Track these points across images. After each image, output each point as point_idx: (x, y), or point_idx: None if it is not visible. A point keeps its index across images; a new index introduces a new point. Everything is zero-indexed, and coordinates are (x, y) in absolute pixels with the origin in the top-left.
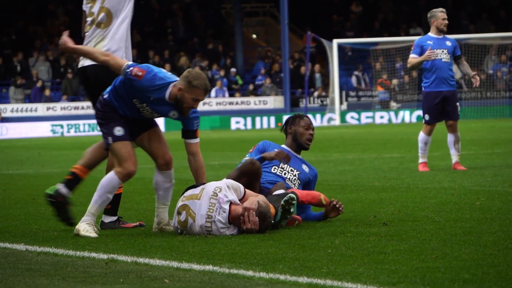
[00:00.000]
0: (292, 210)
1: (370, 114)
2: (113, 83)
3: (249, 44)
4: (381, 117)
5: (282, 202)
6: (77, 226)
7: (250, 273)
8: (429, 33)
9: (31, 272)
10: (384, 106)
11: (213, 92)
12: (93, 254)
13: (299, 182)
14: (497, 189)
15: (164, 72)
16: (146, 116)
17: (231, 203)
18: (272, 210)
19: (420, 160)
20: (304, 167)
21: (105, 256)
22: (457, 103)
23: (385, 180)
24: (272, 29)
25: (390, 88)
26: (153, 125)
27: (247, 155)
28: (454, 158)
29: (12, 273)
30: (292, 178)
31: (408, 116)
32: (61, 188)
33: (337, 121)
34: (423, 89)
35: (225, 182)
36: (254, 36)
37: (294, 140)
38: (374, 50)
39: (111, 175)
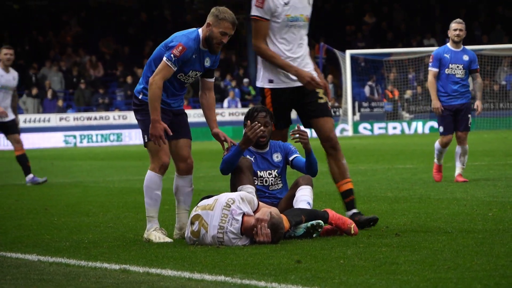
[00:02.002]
0: (314, 235)
1: (383, 125)
2: (144, 81)
3: None
4: (394, 128)
5: (309, 225)
6: (145, 236)
7: (262, 283)
8: (448, 44)
9: (43, 282)
10: (389, 117)
11: (225, 103)
12: (105, 265)
13: (281, 176)
14: (510, 200)
15: (183, 32)
16: (189, 83)
17: (244, 214)
18: (286, 224)
19: (437, 163)
20: (275, 157)
21: (117, 267)
22: (469, 115)
23: (398, 191)
24: None
25: (394, 100)
26: (186, 135)
27: (224, 156)
28: (458, 170)
29: (24, 283)
30: (273, 181)
31: (421, 127)
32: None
33: (350, 132)
34: None
35: (239, 194)
36: None
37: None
38: (387, 61)
39: (148, 174)
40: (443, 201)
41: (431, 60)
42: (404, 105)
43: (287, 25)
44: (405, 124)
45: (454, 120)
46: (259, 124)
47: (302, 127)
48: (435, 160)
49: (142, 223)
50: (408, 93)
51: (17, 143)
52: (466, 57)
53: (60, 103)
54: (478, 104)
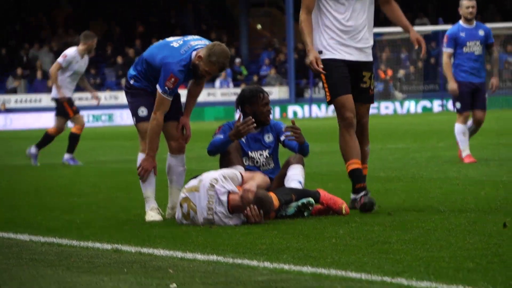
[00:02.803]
0: (306, 214)
1: (375, 104)
2: (135, 70)
3: (254, 35)
4: (386, 108)
5: (299, 203)
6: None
7: (254, 263)
8: (460, 22)
9: (35, 262)
10: (381, 97)
11: (217, 83)
12: (97, 244)
13: (272, 156)
14: (502, 179)
15: (179, 49)
16: None
17: (229, 193)
18: (276, 202)
19: (464, 154)
20: (266, 137)
21: (109, 247)
22: (486, 95)
23: (390, 170)
24: (277, 20)
25: (386, 80)
26: (176, 116)
27: (214, 136)
28: (468, 150)
29: (16, 263)
30: (264, 162)
31: (414, 106)
32: None
33: None
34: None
35: (221, 173)
36: (259, 26)
37: (254, 117)
38: (380, 40)
39: (139, 156)
40: (436, 181)
41: (445, 40)
42: (396, 85)
43: None
44: (397, 104)
45: (472, 99)
46: (253, 120)
47: (296, 124)
48: (462, 149)
49: (134, 203)
50: (401, 73)
51: (80, 123)
52: (481, 32)
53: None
54: (494, 81)
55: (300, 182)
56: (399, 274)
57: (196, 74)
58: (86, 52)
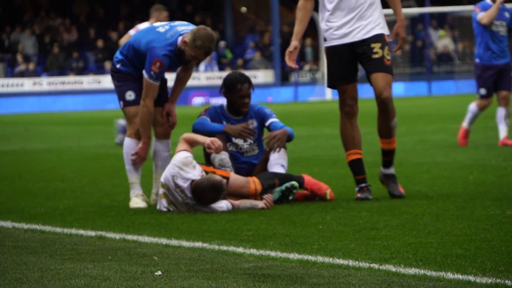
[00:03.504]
0: (290, 198)
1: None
2: (121, 54)
3: (239, 18)
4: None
5: (283, 188)
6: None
7: (240, 249)
8: (487, 1)
9: (18, 249)
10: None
11: (202, 66)
12: (81, 231)
13: (257, 143)
14: (491, 163)
15: (165, 33)
16: None
17: (192, 181)
18: (259, 187)
19: (463, 129)
20: (250, 123)
21: (93, 233)
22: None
23: (377, 155)
24: (262, 2)
25: None
26: (162, 102)
27: (199, 117)
28: (503, 133)
29: None
30: (248, 148)
31: (401, 89)
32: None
33: (327, 95)
34: (477, 61)
35: (174, 164)
36: (244, 9)
37: (231, 105)
38: None
39: (126, 140)
40: (423, 165)
41: (477, 10)
42: None
43: None
44: None
45: (496, 81)
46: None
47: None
48: (465, 124)
49: (118, 189)
50: None
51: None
52: (507, 14)
53: (31, 66)
54: None
55: (283, 166)
56: (387, 260)
57: (183, 60)
58: None
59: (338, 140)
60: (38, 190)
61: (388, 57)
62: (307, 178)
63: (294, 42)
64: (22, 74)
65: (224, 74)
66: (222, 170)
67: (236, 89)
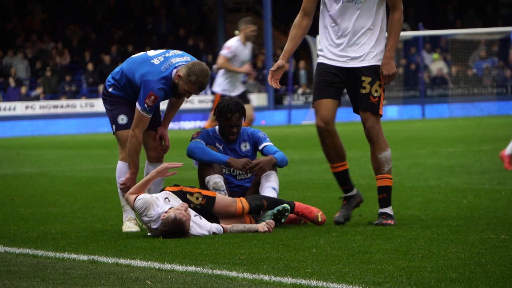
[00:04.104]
0: (283, 220)
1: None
2: (113, 79)
3: None
4: None
5: (275, 211)
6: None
7: (233, 273)
8: None
9: (10, 274)
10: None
11: None
12: (74, 256)
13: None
14: (484, 187)
15: (160, 66)
16: None
17: (162, 215)
18: (246, 205)
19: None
20: (243, 146)
21: (85, 258)
22: None
23: (371, 178)
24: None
25: None
26: (155, 126)
27: (193, 140)
28: None
29: None
30: (242, 171)
31: (395, 113)
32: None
33: None
34: None
35: (138, 206)
36: (237, 32)
37: (221, 130)
38: None
39: (118, 164)
40: (417, 189)
41: None
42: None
43: (334, 1)
44: None
45: None
46: (260, 168)
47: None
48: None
49: (110, 213)
50: None
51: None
52: None
53: (23, 90)
54: None
55: (274, 189)
56: (381, 284)
57: (176, 93)
58: (246, 40)
59: None
60: (30, 214)
61: (376, 94)
62: (297, 203)
63: (280, 61)
64: (38, 98)
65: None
66: (207, 191)
67: (226, 117)
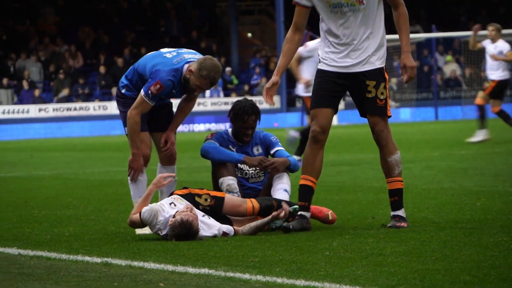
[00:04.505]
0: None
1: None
2: (126, 78)
3: (244, 43)
4: None
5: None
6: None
7: (246, 276)
8: None
9: (23, 276)
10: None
11: (207, 92)
12: (87, 258)
13: (263, 171)
14: (498, 189)
15: (172, 59)
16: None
17: (171, 218)
18: (256, 205)
19: None
20: (255, 150)
21: (99, 260)
22: None
23: (384, 180)
24: (268, 28)
25: None
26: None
27: (207, 141)
28: None
29: (5, 277)
30: (253, 174)
31: (408, 115)
32: None
33: (335, 121)
34: None
35: (145, 218)
36: (249, 34)
37: (235, 131)
38: None
39: None
40: (431, 191)
41: None
42: (390, 93)
43: (331, 11)
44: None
45: None
46: (273, 167)
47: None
48: None
49: (123, 215)
50: (393, 81)
51: None
52: None
53: (37, 93)
54: None
55: (286, 191)
56: (394, 287)
57: (187, 88)
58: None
59: (343, 167)
60: (44, 217)
61: (382, 97)
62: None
63: (274, 78)
64: (65, 100)
65: (230, 99)
66: (215, 191)
67: (242, 119)
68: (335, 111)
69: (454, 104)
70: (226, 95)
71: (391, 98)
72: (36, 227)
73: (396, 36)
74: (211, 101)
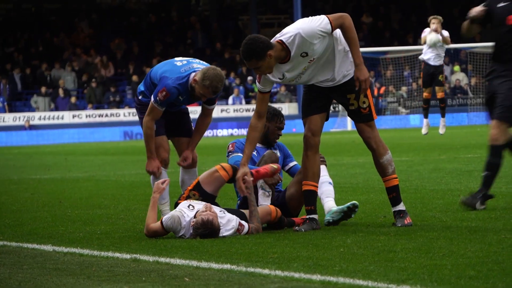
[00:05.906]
0: (352, 216)
1: (380, 119)
2: (143, 85)
3: None
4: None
5: (345, 208)
6: None
7: (266, 271)
8: None
9: (58, 271)
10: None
11: (230, 100)
12: (117, 254)
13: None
14: (501, 190)
15: (180, 67)
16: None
17: (192, 218)
18: (274, 213)
19: None
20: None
21: (128, 256)
22: None
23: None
24: None
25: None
26: (187, 133)
27: (232, 156)
28: None
29: (40, 272)
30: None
31: (417, 121)
32: None
33: (348, 126)
34: None
35: (167, 224)
36: None
37: (265, 134)
38: (384, 59)
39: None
40: (438, 192)
41: None
42: (400, 101)
43: (295, 82)
44: (401, 119)
45: None
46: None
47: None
48: None
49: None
50: (403, 90)
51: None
52: None
53: (73, 100)
54: None
55: (330, 183)
56: (404, 281)
57: (194, 96)
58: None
59: (357, 169)
60: (77, 216)
61: (365, 105)
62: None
63: (244, 170)
64: (121, 102)
65: (251, 106)
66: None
67: (278, 120)
68: (326, 115)
69: (460, 111)
70: (248, 102)
71: (402, 105)
72: (69, 226)
73: (406, 47)
74: (234, 108)
